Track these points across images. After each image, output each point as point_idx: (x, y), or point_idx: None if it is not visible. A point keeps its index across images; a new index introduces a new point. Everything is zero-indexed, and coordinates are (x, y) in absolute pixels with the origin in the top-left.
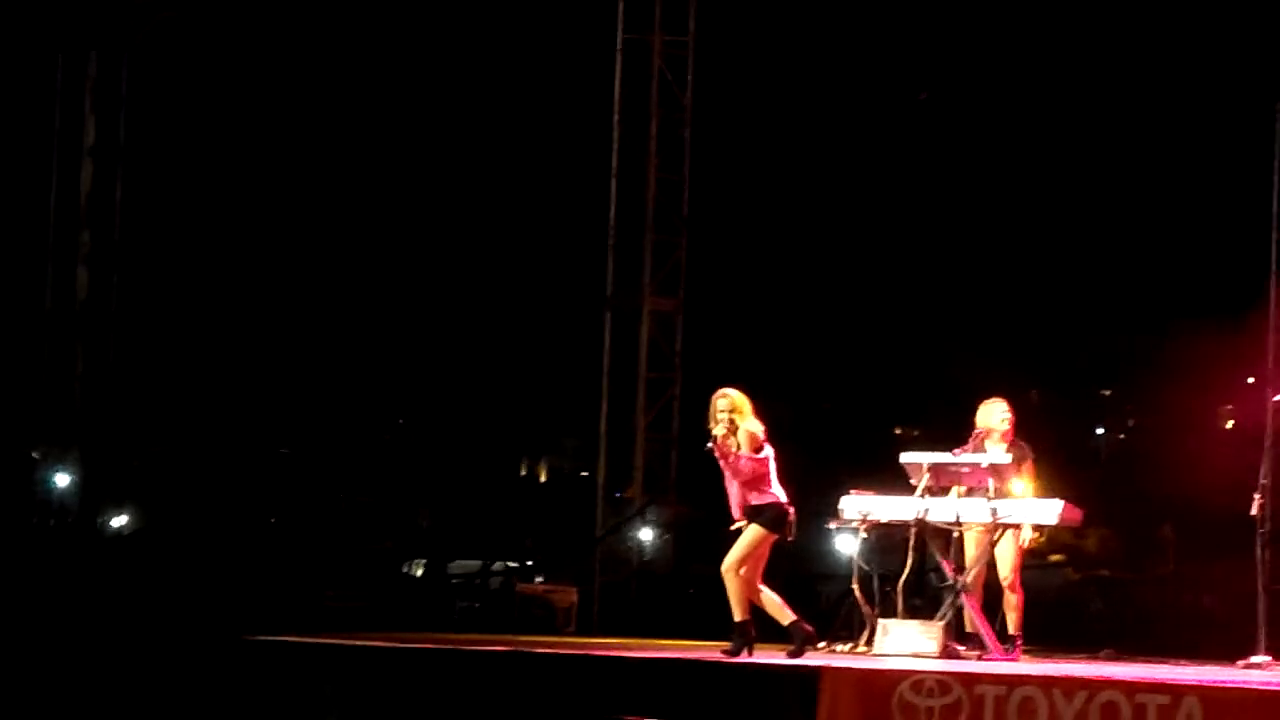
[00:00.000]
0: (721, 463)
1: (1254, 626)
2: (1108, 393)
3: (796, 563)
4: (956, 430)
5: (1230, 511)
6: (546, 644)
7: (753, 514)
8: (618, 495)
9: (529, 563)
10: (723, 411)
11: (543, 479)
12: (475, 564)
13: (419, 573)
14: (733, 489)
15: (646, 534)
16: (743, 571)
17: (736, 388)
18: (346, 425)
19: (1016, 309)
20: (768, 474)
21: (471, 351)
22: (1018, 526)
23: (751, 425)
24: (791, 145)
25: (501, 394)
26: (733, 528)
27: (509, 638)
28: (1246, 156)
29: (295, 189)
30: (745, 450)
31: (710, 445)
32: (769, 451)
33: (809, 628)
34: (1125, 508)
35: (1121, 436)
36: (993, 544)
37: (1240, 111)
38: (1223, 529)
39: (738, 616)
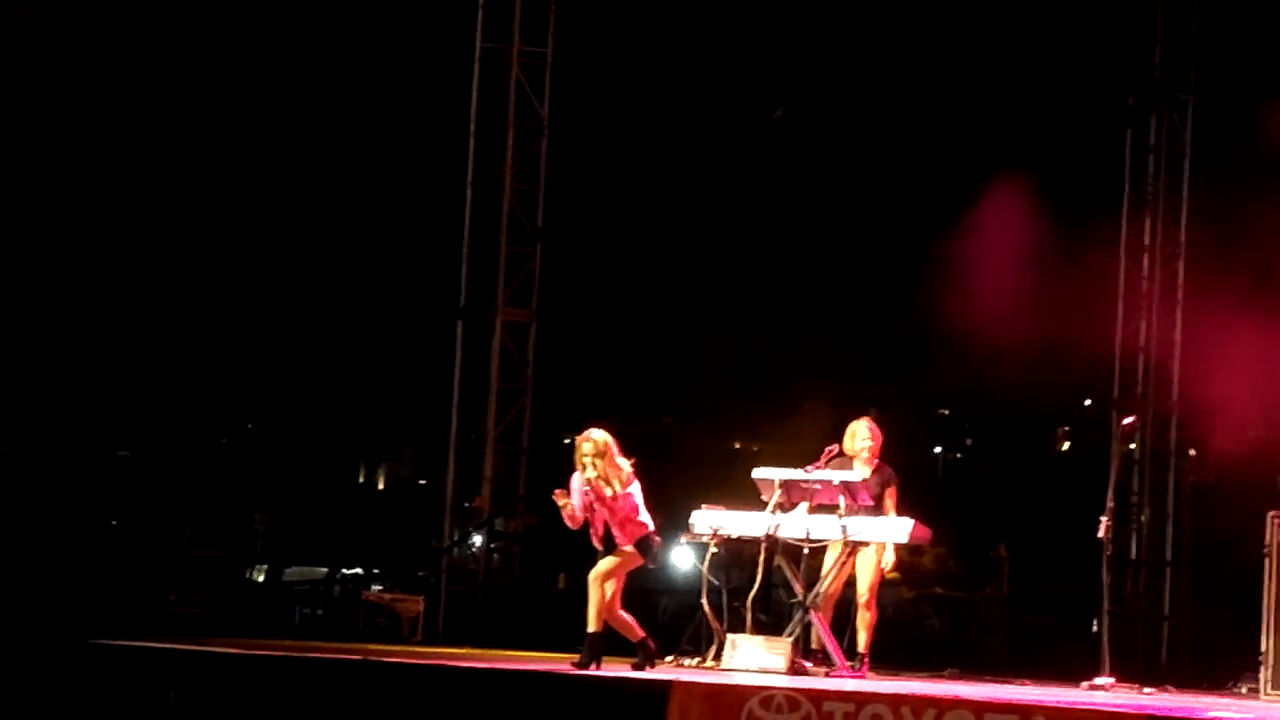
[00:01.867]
0: (598, 502)
1: (1091, 647)
2: (945, 412)
3: (635, 576)
4: (795, 446)
5: (1064, 532)
6: (393, 653)
7: (625, 543)
8: (465, 505)
9: (374, 571)
10: (587, 455)
11: (381, 486)
12: (320, 570)
13: (261, 579)
14: (600, 523)
15: (494, 544)
16: (608, 585)
17: (600, 427)
18: (188, 428)
19: (857, 323)
20: (638, 506)
21: (317, 357)
22: (866, 544)
23: (621, 462)
24: (647, 159)
25: (343, 400)
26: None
27: (355, 646)
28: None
29: (142, 185)
30: (619, 488)
31: (584, 489)
32: (637, 485)
33: (653, 645)
34: (961, 526)
35: (959, 456)
36: (846, 562)
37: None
38: (1056, 550)
39: (592, 628)
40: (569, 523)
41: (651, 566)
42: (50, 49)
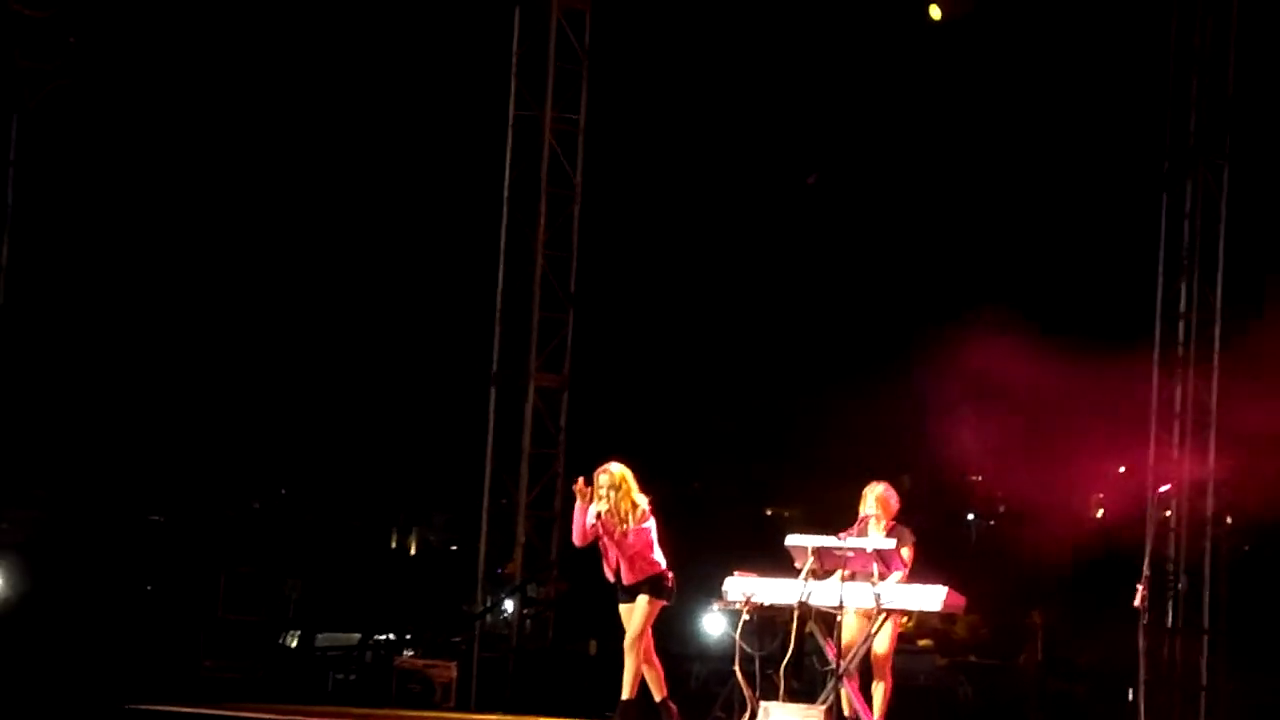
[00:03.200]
0: (606, 538)
1: (1128, 717)
2: (979, 478)
3: (666, 641)
4: (827, 512)
5: (1100, 600)
6: None
7: (640, 587)
8: (498, 571)
9: (406, 636)
10: (604, 488)
11: (413, 552)
12: (353, 636)
13: (294, 644)
14: (612, 556)
15: (526, 610)
16: (640, 645)
17: (620, 461)
18: (220, 493)
19: (887, 392)
20: (652, 543)
21: (350, 423)
22: (901, 612)
23: (637, 499)
24: (679, 225)
25: (375, 466)
26: (620, 599)
27: (388, 713)
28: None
29: (177, 251)
30: (631, 524)
31: (594, 521)
32: (652, 522)
33: (674, 708)
34: (995, 594)
35: (991, 522)
36: (874, 630)
37: (1128, 187)
38: (1092, 617)
39: (627, 694)
40: (575, 532)
41: (669, 603)
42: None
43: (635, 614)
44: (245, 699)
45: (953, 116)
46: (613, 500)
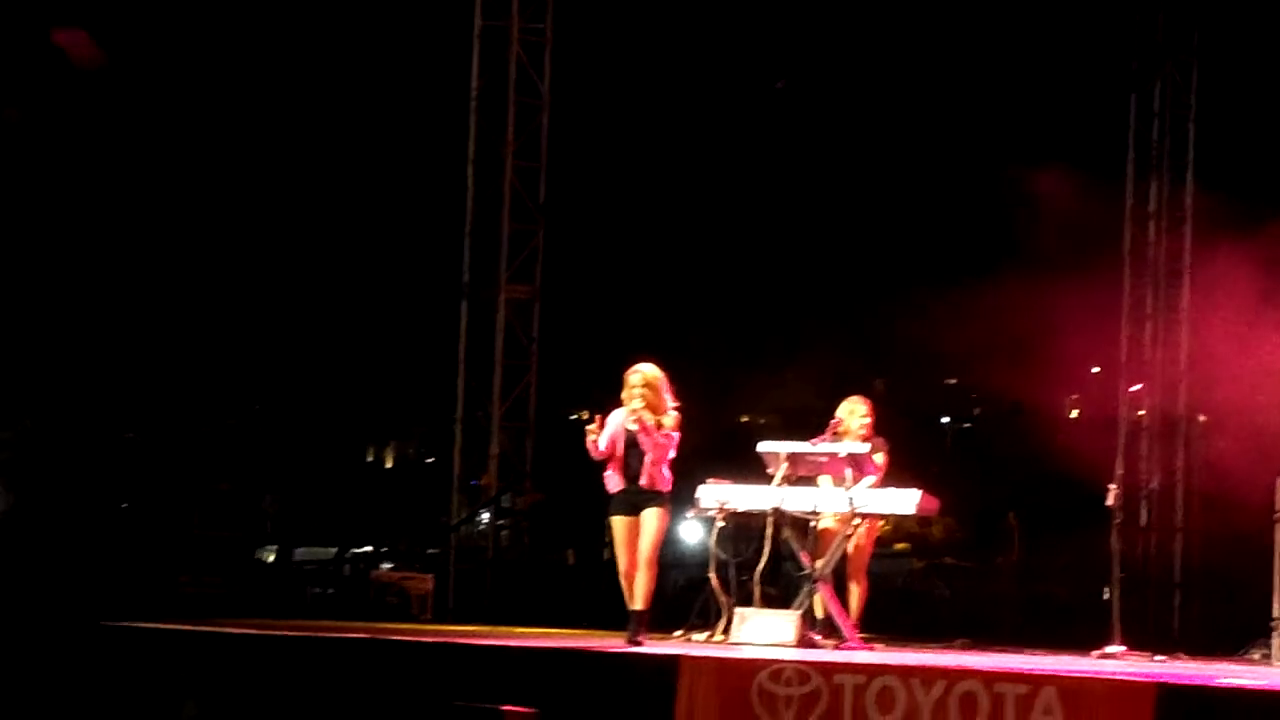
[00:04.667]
0: (642, 437)
1: (1103, 616)
2: (953, 382)
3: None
4: (805, 418)
5: (1075, 500)
6: (403, 631)
7: (657, 496)
8: (473, 483)
9: (383, 549)
10: (636, 386)
11: (389, 465)
12: (328, 550)
13: (271, 559)
14: (634, 459)
15: (501, 521)
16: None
17: (651, 362)
18: (195, 411)
19: (861, 294)
20: (670, 458)
21: (323, 338)
22: (875, 516)
23: (669, 400)
24: (649, 133)
25: (350, 381)
26: (623, 511)
27: (365, 625)
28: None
29: (149, 168)
30: (669, 424)
31: (633, 420)
32: (677, 436)
33: (645, 620)
34: (970, 496)
35: (966, 425)
36: (849, 534)
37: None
38: (1067, 518)
39: (641, 605)
40: (590, 449)
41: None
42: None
43: (651, 525)
44: (222, 614)
45: (915, 18)
46: (648, 398)
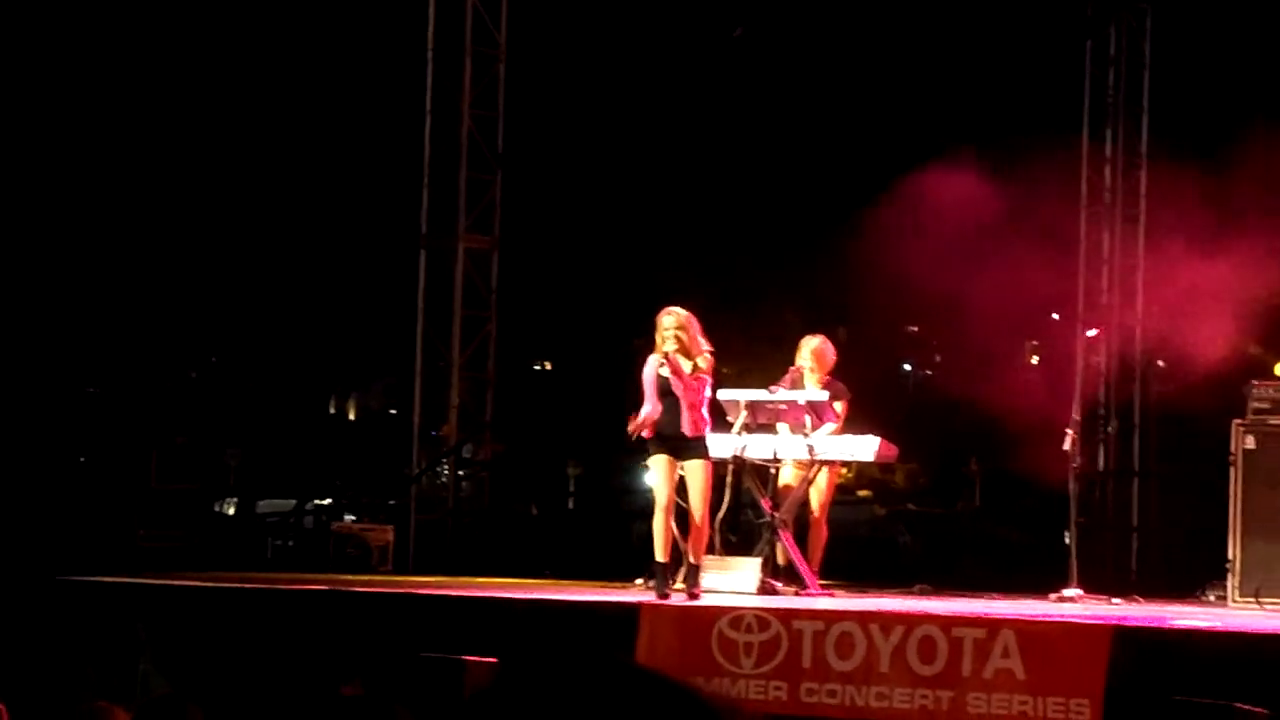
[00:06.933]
0: (674, 381)
1: (1061, 560)
2: (915, 329)
3: (609, 499)
4: (763, 367)
5: (1036, 446)
6: (363, 583)
7: (700, 443)
8: (433, 434)
9: (343, 501)
10: (669, 329)
11: (351, 417)
12: (289, 503)
13: (231, 511)
14: (670, 405)
15: (462, 472)
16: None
17: (684, 307)
18: (154, 363)
19: (824, 242)
20: (706, 400)
21: (283, 290)
22: (835, 463)
23: (703, 342)
24: (607, 82)
25: (312, 332)
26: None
27: (325, 576)
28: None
29: (104, 119)
30: (704, 365)
31: (662, 362)
32: (710, 380)
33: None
34: (932, 443)
35: (928, 372)
36: (809, 480)
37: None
38: (1028, 464)
39: (664, 556)
40: (637, 429)
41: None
42: None
43: (697, 480)
44: (181, 568)
45: None
46: (682, 341)
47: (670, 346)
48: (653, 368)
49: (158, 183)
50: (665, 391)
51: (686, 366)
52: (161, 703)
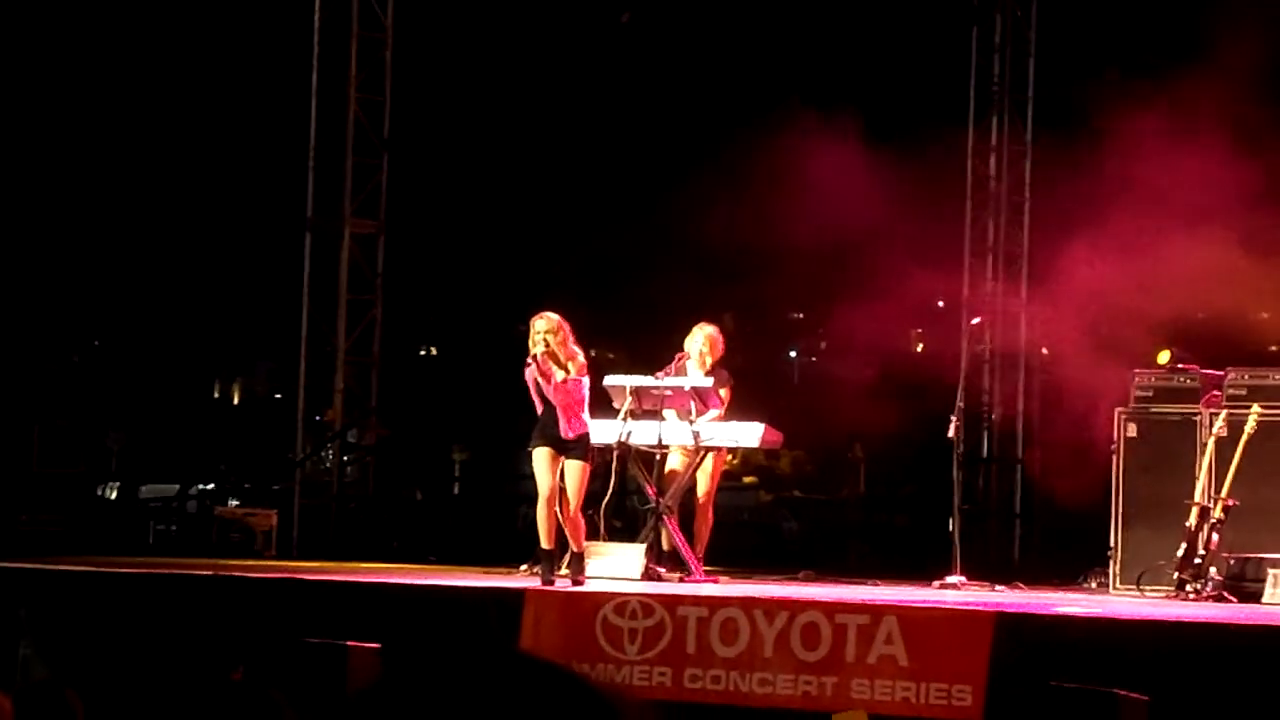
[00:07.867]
0: (544, 385)
1: (945, 546)
2: (800, 316)
3: (495, 484)
4: (656, 353)
5: (920, 433)
6: (246, 568)
7: (580, 445)
8: (317, 418)
9: (227, 485)
10: (539, 332)
11: (235, 401)
12: (172, 487)
13: (113, 495)
14: (547, 408)
15: (346, 457)
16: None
17: (556, 312)
18: (36, 345)
19: (711, 228)
20: (584, 400)
21: (168, 272)
22: (720, 449)
23: (575, 348)
24: (494, 66)
25: (196, 315)
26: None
27: (208, 561)
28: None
29: None
30: (573, 373)
31: (529, 363)
32: (587, 380)
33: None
34: (817, 429)
35: (813, 359)
36: (695, 467)
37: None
38: (912, 450)
39: (549, 544)
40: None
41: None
42: None
43: (573, 479)
44: (62, 552)
45: None
46: (551, 345)
47: (539, 349)
48: (529, 373)
49: (40, 163)
50: (539, 394)
51: (558, 375)
52: (39, 688)
